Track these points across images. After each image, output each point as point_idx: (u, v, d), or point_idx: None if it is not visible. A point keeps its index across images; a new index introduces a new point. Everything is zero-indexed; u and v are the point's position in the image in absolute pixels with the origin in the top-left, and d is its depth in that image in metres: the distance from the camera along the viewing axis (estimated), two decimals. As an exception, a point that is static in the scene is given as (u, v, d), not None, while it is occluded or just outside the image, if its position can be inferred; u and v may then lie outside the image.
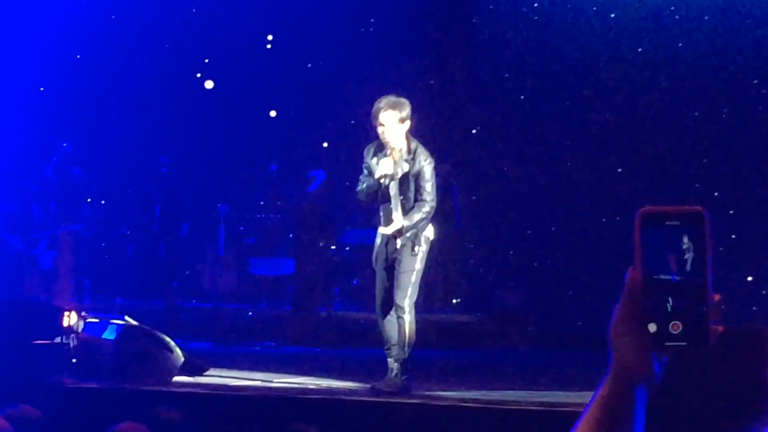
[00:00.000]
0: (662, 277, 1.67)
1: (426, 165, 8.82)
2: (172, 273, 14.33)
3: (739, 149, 13.56)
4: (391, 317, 8.92)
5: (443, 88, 15.15)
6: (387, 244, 8.96)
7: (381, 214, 9.02)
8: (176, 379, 9.42)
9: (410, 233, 8.82)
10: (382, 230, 8.99)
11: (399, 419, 8.30)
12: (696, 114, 14.11)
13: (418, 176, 8.82)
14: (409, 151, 8.83)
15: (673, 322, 1.66)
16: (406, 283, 8.83)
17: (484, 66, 15.18)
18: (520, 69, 14.96)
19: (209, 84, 14.29)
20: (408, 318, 8.82)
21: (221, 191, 15.21)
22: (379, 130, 8.82)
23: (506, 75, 14.97)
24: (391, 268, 8.93)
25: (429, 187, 8.82)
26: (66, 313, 9.49)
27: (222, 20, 16.10)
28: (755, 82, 13.92)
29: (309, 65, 15.85)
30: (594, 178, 14.49)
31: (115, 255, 15.53)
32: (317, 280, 13.90)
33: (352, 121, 15.73)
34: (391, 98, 8.85)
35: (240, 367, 10.80)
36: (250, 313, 14.42)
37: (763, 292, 12.41)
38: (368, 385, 9.20)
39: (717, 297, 1.68)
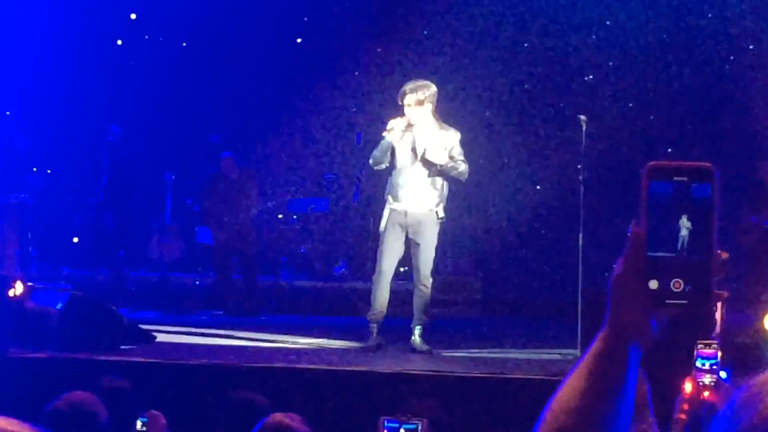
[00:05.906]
0: (667, 232, 1.61)
1: (456, 137, 9.58)
2: (118, 242, 14.24)
3: (702, 142, 13.66)
4: (388, 285, 9.56)
5: (383, 60, 15.17)
6: (406, 215, 9.47)
7: (395, 183, 9.56)
8: (123, 348, 9.40)
9: (436, 204, 9.50)
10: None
11: (347, 387, 8.35)
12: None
13: (452, 149, 9.52)
14: (439, 128, 9.58)
15: (675, 280, 1.60)
16: (430, 256, 9.53)
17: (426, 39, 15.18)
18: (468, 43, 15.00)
19: None
20: (430, 287, 9.58)
21: (168, 159, 15.12)
22: (405, 109, 9.52)
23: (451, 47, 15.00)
24: (407, 239, 9.53)
25: (462, 156, 9.56)
26: (12, 283, 9.44)
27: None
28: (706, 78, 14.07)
29: (251, 37, 15.76)
30: (537, 148, 14.58)
31: (62, 224, 15.43)
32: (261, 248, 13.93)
33: (295, 93, 15.72)
34: (416, 82, 9.66)
35: (187, 336, 10.81)
36: (197, 282, 14.40)
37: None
38: (315, 346, 9.51)
39: (724, 255, 1.62)
